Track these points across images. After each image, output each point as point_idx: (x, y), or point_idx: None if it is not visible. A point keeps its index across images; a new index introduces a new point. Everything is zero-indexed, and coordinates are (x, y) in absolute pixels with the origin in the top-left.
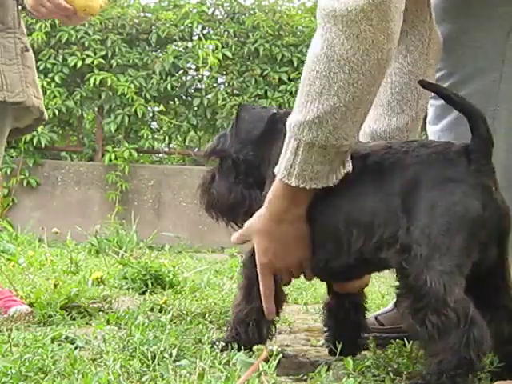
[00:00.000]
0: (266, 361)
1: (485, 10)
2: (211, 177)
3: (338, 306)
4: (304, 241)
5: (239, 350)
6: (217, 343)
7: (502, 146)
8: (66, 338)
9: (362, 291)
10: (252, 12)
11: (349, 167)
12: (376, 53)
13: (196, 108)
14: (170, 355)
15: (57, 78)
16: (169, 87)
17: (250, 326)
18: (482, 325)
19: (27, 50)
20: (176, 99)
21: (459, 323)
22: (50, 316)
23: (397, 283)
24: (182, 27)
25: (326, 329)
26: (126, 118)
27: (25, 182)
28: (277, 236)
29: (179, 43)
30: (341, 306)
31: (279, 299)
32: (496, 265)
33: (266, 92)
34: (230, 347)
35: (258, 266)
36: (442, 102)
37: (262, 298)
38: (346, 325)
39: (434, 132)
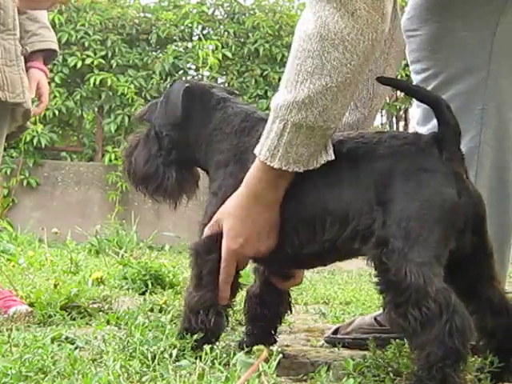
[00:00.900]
0: (266, 361)
1: (470, 10)
2: (136, 143)
3: (267, 294)
4: (276, 228)
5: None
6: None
7: (492, 145)
8: (66, 338)
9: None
10: (252, 12)
11: (331, 155)
12: (371, 33)
13: None
14: (170, 355)
15: (57, 79)
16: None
17: (201, 315)
18: (464, 312)
19: (24, 54)
20: None
21: (441, 313)
22: (50, 316)
23: (376, 279)
24: (182, 27)
25: (248, 318)
26: (126, 119)
27: (25, 182)
28: (251, 220)
29: (179, 43)
30: (268, 294)
31: (235, 286)
32: (479, 254)
33: (266, 92)
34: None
35: (224, 252)
36: None
37: (220, 284)
38: (267, 315)
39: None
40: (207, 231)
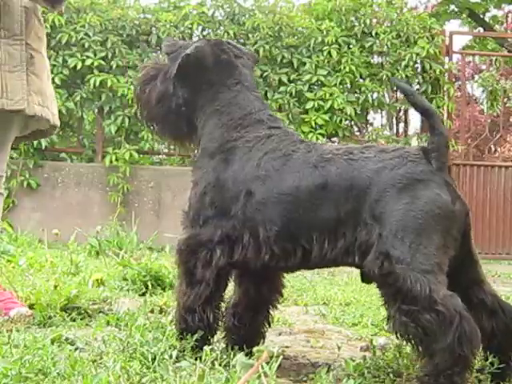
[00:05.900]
0: (267, 362)
1: None
2: (155, 74)
3: (247, 307)
4: None
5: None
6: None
7: None
8: (66, 339)
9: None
10: (252, 13)
11: None
12: None
13: None
14: (170, 356)
15: (57, 80)
16: None
17: (198, 313)
18: (470, 318)
19: (33, 57)
20: None
21: (451, 320)
22: (50, 317)
23: (380, 290)
24: (182, 28)
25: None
26: (127, 120)
27: (25, 184)
28: None
29: None
30: (249, 307)
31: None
32: (466, 261)
33: (266, 93)
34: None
35: None
36: None
37: None
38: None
39: None
40: None
